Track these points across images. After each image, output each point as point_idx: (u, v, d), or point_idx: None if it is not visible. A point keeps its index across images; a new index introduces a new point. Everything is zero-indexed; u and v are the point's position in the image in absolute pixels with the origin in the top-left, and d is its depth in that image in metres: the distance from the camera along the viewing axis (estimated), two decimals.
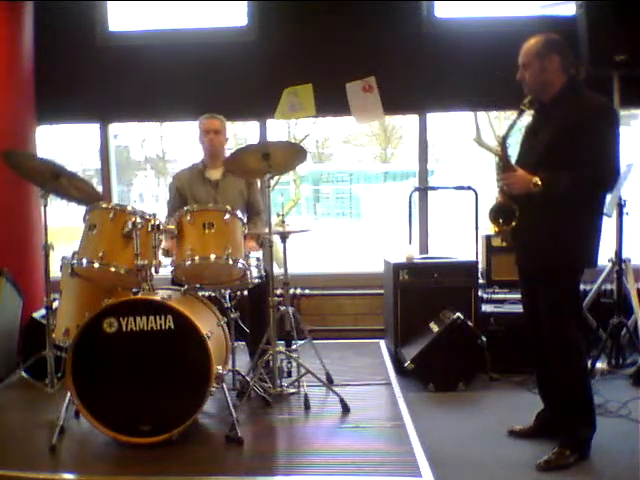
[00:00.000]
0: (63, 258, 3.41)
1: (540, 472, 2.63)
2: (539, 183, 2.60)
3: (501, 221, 2.73)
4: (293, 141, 4.87)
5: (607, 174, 2.59)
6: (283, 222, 3.56)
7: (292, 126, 7.57)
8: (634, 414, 3.19)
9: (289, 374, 3.59)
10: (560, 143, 2.62)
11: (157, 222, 3.06)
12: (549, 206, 2.64)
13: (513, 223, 2.69)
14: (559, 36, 2.76)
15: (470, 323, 3.78)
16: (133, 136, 13.39)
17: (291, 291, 4.59)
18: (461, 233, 6.49)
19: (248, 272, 3.25)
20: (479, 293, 4.15)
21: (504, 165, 2.74)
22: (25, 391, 3.66)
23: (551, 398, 2.90)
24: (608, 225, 4.09)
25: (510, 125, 2.77)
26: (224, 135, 3.99)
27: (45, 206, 3.29)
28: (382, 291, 4.63)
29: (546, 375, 2.90)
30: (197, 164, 4.00)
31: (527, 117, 2.87)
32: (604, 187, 2.66)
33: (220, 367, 2.96)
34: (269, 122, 4.91)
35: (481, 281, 4.27)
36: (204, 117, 3.95)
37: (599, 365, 3.86)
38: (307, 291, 4.87)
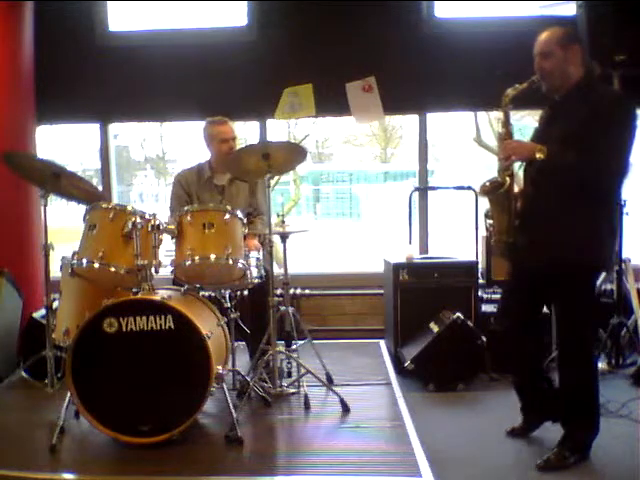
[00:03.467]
0: (63, 258, 3.41)
1: (540, 472, 2.63)
2: (544, 151, 2.53)
3: (489, 185, 2.74)
4: (293, 141, 4.86)
5: (613, 163, 2.50)
6: (283, 222, 3.57)
7: (292, 126, 7.58)
8: (634, 414, 3.19)
9: (289, 374, 3.59)
10: (575, 134, 2.54)
11: (157, 222, 3.06)
12: (566, 203, 2.58)
13: (500, 190, 2.69)
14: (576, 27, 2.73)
15: (470, 323, 3.78)
16: (133, 136, 13.42)
17: (291, 291, 4.59)
18: (461, 233, 6.48)
19: (248, 272, 3.25)
20: (479, 293, 4.14)
21: (506, 132, 2.71)
22: (25, 391, 3.66)
23: (532, 397, 2.90)
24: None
25: (513, 95, 2.72)
26: None
27: (45, 206, 3.29)
28: (382, 291, 4.63)
29: (529, 379, 2.90)
30: (203, 166, 3.93)
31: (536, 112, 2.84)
32: (608, 175, 2.55)
33: (220, 367, 2.96)
34: (269, 122, 4.91)
35: (481, 281, 4.27)
36: (216, 123, 3.84)
37: (599, 365, 3.85)
38: (307, 291, 4.86)
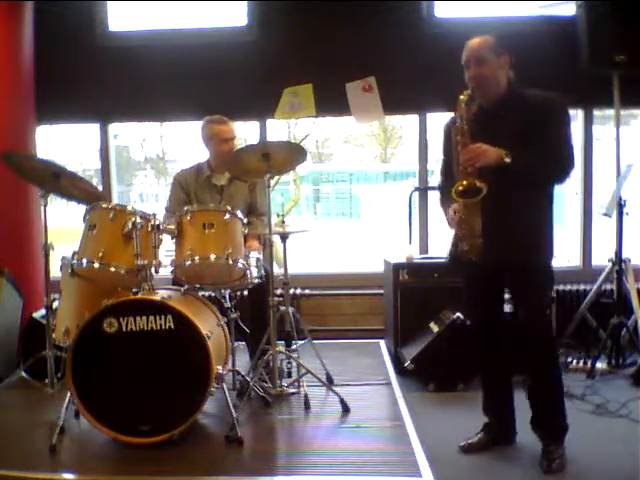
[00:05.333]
0: (63, 258, 3.41)
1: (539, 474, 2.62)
2: (509, 154, 2.54)
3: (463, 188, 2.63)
4: (293, 141, 4.86)
5: (567, 158, 2.62)
6: (283, 222, 3.57)
7: (292, 126, 7.57)
8: (634, 414, 3.19)
9: (289, 374, 3.59)
10: (522, 136, 2.57)
11: (157, 222, 3.06)
12: (518, 200, 2.61)
13: (479, 197, 2.60)
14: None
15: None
16: (133, 136, 13.42)
17: (291, 291, 4.59)
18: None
19: (248, 272, 3.25)
20: None
21: (466, 136, 2.65)
22: (25, 391, 3.66)
23: (498, 406, 2.91)
24: (608, 225, 4.11)
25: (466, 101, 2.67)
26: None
27: (45, 206, 3.29)
28: (382, 291, 4.64)
29: (495, 380, 2.90)
30: (202, 166, 3.91)
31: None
32: (564, 171, 2.64)
33: (220, 367, 2.96)
34: (269, 122, 4.91)
35: None
36: (215, 123, 3.81)
37: (599, 365, 3.85)
38: (307, 291, 4.87)
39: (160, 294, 3.02)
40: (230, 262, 3.11)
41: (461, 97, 2.67)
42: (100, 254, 3.02)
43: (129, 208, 3.13)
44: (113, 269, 3.04)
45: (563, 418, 2.75)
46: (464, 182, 2.62)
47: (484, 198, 2.61)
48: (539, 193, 2.69)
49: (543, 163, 2.57)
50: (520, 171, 2.58)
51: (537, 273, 2.70)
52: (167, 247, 3.27)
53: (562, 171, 2.64)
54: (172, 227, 3.15)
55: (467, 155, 2.60)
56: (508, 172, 2.57)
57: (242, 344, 3.89)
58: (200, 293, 3.48)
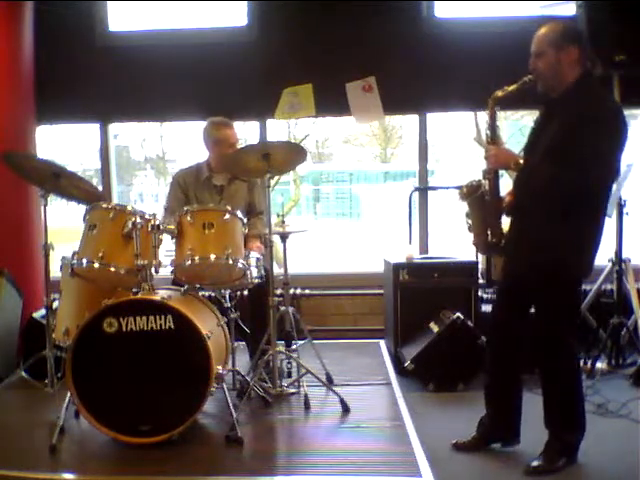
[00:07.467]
0: (63, 258, 3.41)
1: (528, 476, 2.60)
2: (519, 163, 2.53)
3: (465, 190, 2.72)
4: (293, 141, 4.86)
5: (592, 175, 2.43)
6: (283, 222, 3.57)
7: (292, 126, 7.58)
8: (634, 414, 3.19)
9: (289, 374, 3.60)
10: (560, 143, 2.49)
11: (157, 222, 3.06)
12: (542, 212, 2.55)
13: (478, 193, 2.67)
14: (576, 25, 2.67)
15: (470, 323, 3.78)
16: (133, 136, 13.41)
17: (291, 291, 4.58)
18: (461, 233, 6.48)
19: (248, 272, 3.25)
20: (479, 293, 4.15)
21: (491, 135, 2.68)
22: (25, 391, 3.66)
23: (499, 405, 2.85)
24: (608, 225, 4.10)
25: (504, 93, 2.65)
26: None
27: (45, 206, 3.29)
28: (382, 291, 4.64)
29: (502, 380, 2.85)
30: (201, 166, 3.91)
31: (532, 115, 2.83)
32: (587, 187, 2.46)
33: (220, 367, 2.96)
34: (269, 122, 4.91)
35: (481, 281, 4.27)
36: (222, 126, 3.80)
37: (599, 365, 3.85)
38: (307, 291, 4.86)
39: (160, 294, 3.01)
40: (230, 262, 3.11)
41: (497, 93, 2.66)
42: (100, 254, 3.02)
43: (129, 208, 3.13)
44: (113, 269, 3.04)
45: (571, 434, 2.66)
46: (464, 189, 2.72)
47: (512, 209, 2.65)
48: (564, 206, 2.50)
49: (558, 178, 2.45)
50: (529, 180, 2.56)
51: (550, 289, 2.60)
52: (167, 247, 3.27)
53: (580, 189, 2.45)
54: (172, 227, 3.15)
55: (486, 150, 2.66)
56: (526, 182, 2.57)
57: (242, 344, 3.89)
58: (200, 293, 3.47)
